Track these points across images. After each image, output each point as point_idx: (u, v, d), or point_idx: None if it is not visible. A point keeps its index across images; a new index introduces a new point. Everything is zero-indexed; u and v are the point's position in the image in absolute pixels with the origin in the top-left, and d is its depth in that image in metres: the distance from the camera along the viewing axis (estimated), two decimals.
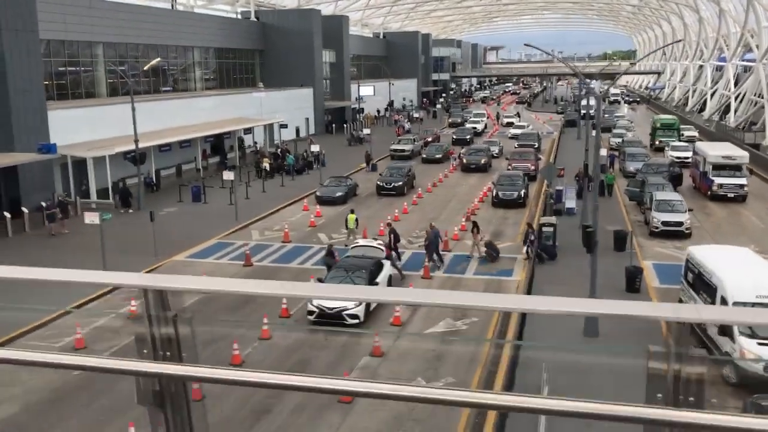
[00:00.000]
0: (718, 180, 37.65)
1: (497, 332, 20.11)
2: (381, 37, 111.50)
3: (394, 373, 17.40)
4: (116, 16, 48.73)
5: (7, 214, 31.61)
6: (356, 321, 20.32)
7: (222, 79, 65.50)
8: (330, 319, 20.38)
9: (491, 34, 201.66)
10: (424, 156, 53.33)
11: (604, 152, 43.12)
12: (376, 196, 40.06)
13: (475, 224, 28.24)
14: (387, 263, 23.44)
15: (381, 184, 40.37)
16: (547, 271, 25.58)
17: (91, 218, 24.18)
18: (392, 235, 26.88)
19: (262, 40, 71.53)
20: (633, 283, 22.86)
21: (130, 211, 36.31)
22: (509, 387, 16.00)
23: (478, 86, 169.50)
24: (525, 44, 39.82)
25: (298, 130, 66.62)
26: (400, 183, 40.20)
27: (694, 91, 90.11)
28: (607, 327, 19.32)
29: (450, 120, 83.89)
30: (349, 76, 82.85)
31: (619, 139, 57.75)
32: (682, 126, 60.58)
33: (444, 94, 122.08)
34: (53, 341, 19.64)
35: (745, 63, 67.86)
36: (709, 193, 37.96)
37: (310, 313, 20.75)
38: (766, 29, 60.54)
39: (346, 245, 28.99)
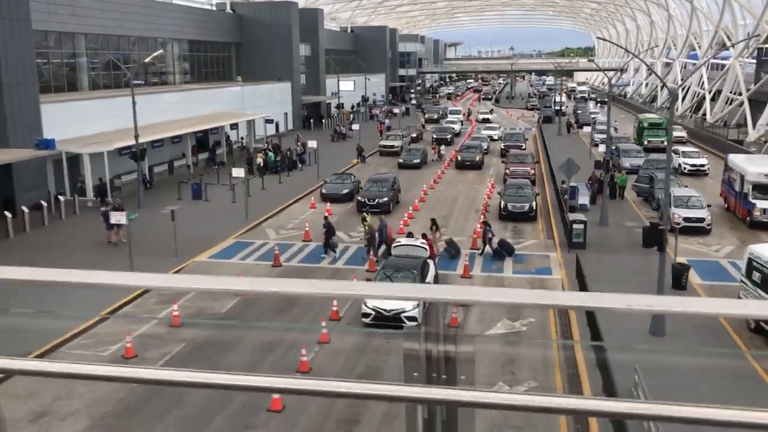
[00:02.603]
0: (761, 204, 31.16)
1: (560, 332, 19.81)
2: (349, 31, 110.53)
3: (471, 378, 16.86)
4: (96, 6, 46.75)
5: (8, 214, 29.93)
6: (414, 323, 19.72)
7: (197, 73, 63.65)
8: (388, 321, 19.74)
9: (450, 30, 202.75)
10: (401, 161, 48.45)
11: (603, 149, 43.51)
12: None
13: (433, 221, 28.35)
14: (431, 262, 22.89)
15: (363, 200, 34.71)
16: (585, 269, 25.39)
17: (117, 218, 22.97)
18: (326, 230, 27.15)
19: (238, 33, 69.91)
20: (679, 281, 22.81)
21: (103, 208, 34.81)
22: (601, 391, 15.64)
23: (441, 82, 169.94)
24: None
25: (277, 125, 65.39)
26: (386, 199, 34.82)
27: (662, 88, 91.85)
28: (670, 325, 19.20)
29: (426, 116, 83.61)
30: (325, 70, 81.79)
31: (604, 135, 58.16)
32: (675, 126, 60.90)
33: (412, 90, 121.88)
34: (98, 350, 18.51)
35: (719, 61, 69.34)
36: (748, 218, 31.59)
37: (366, 315, 20.07)
38: (742, 27, 61.93)
39: (366, 245, 28.46)
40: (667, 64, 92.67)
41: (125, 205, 34.49)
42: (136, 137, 34.27)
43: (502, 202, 33.48)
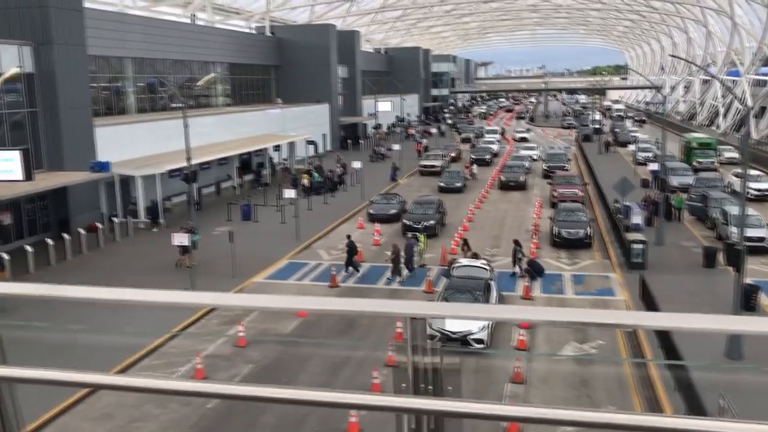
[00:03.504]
0: None
1: (631, 354, 19.41)
2: (383, 52, 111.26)
3: (547, 401, 16.58)
4: (144, 31, 47.67)
5: (66, 236, 30.35)
6: (481, 346, 19.49)
7: (238, 96, 64.35)
8: (454, 343, 19.52)
9: (481, 49, 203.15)
10: (442, 185, 46.57)
11: (655, 167, 42.96)
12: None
13: (465, 241, 28.43)
14: (494, 283, 22.67)
15: (409, 223, 33.75)
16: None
17: (180, 239, 23.12)
18: (348, 249, 27.42)
19: (277, 56, 70.70)
20: (749, 301, 22.26)
21: (155, 230, 35.15)
22: (690, 411, 15.22)
23: (472, 101, 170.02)
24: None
25: (316, 146, 65.74)
26: (432, 222, 33.91)
27: (702, 105, 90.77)
28: (748, 348, 18.70)
29: (462, 136, 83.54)
30: (361, 91, 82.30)
31: (648, 154, 57.52)
32: (719, 146, 58.02)
33: (445, 110, 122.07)
34: (167, 371, 18.56)
35: (760, 77, 68.33)
36: None
37: (431, 337, 19.85)
38: None
39: (421, 265, 28.36)
40: (705, 81, 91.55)
41: (176, 227, 34.87)
42: (188, 159, 34.57)
43: (555, 228, 31.59)
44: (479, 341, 19.45)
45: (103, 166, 32.64)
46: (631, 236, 27.76)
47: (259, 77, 68.72)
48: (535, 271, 26.03)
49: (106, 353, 18.46)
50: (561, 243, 31.00)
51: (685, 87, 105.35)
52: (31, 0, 32.46)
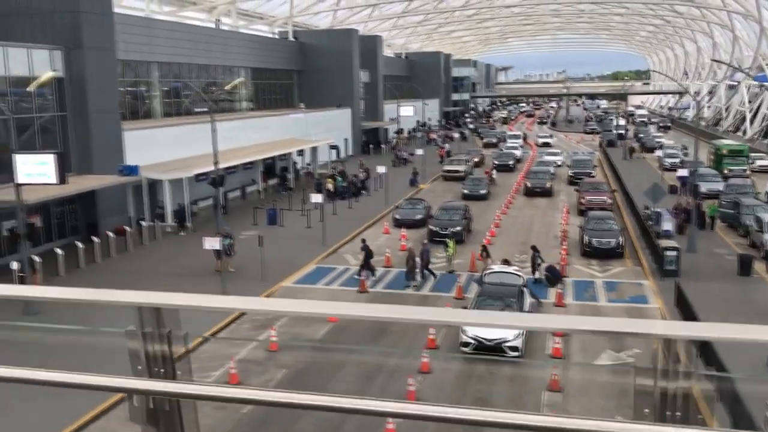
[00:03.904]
0: None
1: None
2: (403, 57, 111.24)
3: (587, 411, 16.30)
4: (170, 36, 47.96)
5: (95, 239, 30.50)
6: (516, 354, 19.24)
7: (260, 100, 64.50)
8: (489, 351, 19.30)
9: (501, 54, 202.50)
10: (466, 192, 45.57)
11: (684, 173, 42.42)
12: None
13: (484, 248, 28.42)
14: (526, 290, 22.41)
15: (436, 230, 33.67)
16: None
17: (212, 243, 23.11)
18: (365, 253, 27.49)
19: (300, 60, 70.88)
20: None
21: (182, 233, 35.25)
22: (735, 424, 14.88)
23: (493, 106, 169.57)
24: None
25: (338, 151, 65.74)
26: (459, 228, 33.65)
27: (727, 110, 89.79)
28: None
29: (484, 141, 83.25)
30: (383, 96, 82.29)
31: (675, 160, 56.89)
32: (751, 153, 56.44)
33: (467, 115, 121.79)
34: (201, 375, 18.48)
35: None
36: None
37: (465, 344, 19.65)
38: None
39: (450, 271, 28.21)
40: (731, 87, 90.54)
41: (203, 231, 34.93)
42: (216, 163, 34.65)
43: (586, 238, 30.60)
44: (514, 349, 19.20)
45: (132, 170, 32.78)
46: (664, 243, 27.36)
47: (282, 82, 68.90)
48: (553, 276, 25.72)
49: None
50: (591, 252, 30.10)
51: (709, 92, 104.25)
52: (62, 5, 32.74)
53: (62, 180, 22.20)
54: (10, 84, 30.51)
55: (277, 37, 71.91)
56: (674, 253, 26.46)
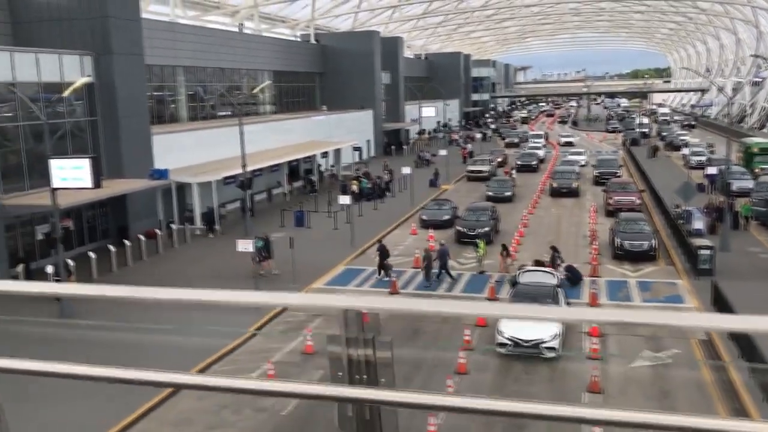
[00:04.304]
0: None
1: (710, 364, 18.84)
2: (423, 58, 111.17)
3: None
4: (194, 40, 48.26)
5: (127, 242, 30.78)
6: (553, 354, 19.12)
7: (282, 103, 64.67)
8: (525, 351, 19.20)
9: (519, 54, 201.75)
10: (490, 194, 44.30)
11: (714, 171, 41.96)
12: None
13: (504, 247, 28.18)
14: (561, 290, 22.27)
15: (463, 230, 33.58)
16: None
17: (244, 246, 23.23)
18: (380, 253, 27.63)
19: (321, 63, 71.06)
20: None
21: (211, 236, 35.47)
22: None
23: (512, 106, 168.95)
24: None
25: (360, 153, 65.80)
26: (487, 229, 33.35)
27: (752, 107, 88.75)
28: None
29: (506, 141, 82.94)
30: (404, 97, 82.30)
31: (701, 158, 56.26)
32: None
33: (487, 115, 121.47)
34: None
35: None
36: None
37: (501, 345, 19.56)
38: None
39: (481, 272, 28.14)
40: (756, 83, 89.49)
41: (231, 233, 35.13)
42: (244, 166, 34.92)
43: (617, 240, 29.62)
44: (551, 349, 19.09)
45: (162, 174, 33.04)
46: (698, 242, 27.05)
47: (304, 84, 69.09)
48: (573, 276, 25.54)
49: (175, 358, 18.50)
50: (624, 255, 29.20)
51: (733, 89, 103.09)
52: (91, 11, 33.08)
53: (97, 184, 22.42)
54: (42, 90, 30.89)
55: (299, 40, 72.17)
56: (708, 251, 26.16)
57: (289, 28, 72.85)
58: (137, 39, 35.09)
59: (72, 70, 32.15)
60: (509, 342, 19.32)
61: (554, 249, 27.10)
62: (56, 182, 22.20)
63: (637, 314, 1.74)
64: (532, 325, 18.91)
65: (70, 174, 22.27)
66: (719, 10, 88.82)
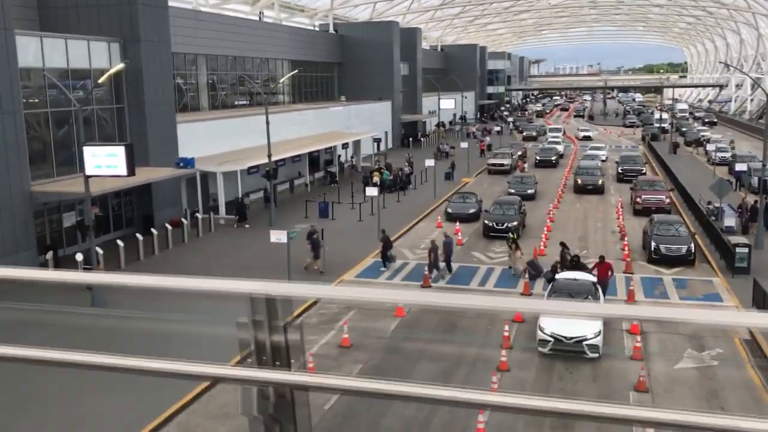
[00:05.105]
0: None
1: (755, 362, 18.49)
2: (439, 49, 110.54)
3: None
4: (213, 27, 47.88)
5: (154, 231, 30.60)
6: (596, 354, 18.79)
7: (301, 93, 64.18)
8: (568, 349, 18.88)
9: (534, 46, 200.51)
10: (512, 191, 42.53)
11: (743, 167, 41.44)
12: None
13: (513, 240, 27.70)
14: (599, 287, 21.93)
15: (491, 224, 32.99)
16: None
17: (278, 236, 22.97)
18: (383, 244, 27.66)
19: (340, 53, 70.63)
20: None
21: (247, 225, 35.27)
22: None
23: (526, 99, 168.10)
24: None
25: (379, 144, 65.44)
26: (515, 223, 32.58)
27: None
28: None
29: (524, 134, 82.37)
30: (422, 88, 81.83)
31: (725, 154, 55.63)
32: None
33: (502, 108, 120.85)
34: None
35: None
36: None
37: (543, 342, 19.25)
38: None
39: (509, 266, 27.80)
40: None
41: (256, 224, 34.94)
42: (270, 156, 34.66)
43: (653, 244, 27.96)
44: (593, 348, 18.76)
45: (189, 162, 32.81)
46: (735, 239, 26.63)
47: (322, 74, 68.65)
48: (535, 271, 24.83)
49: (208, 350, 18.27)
50: (660, 259, 27.66)
51: (751, 85, 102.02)
52: None
53: (131, 172, 22.20)
54: (71, 77, 30.68)
55: (317, 29, 71.74)
56: (745, 249, 25.75)
57: (308, 17, 72.41)
58: (164, 26, 34.81)
59: (99, 56, 31.92)
60: (551, 338, 18.99)
61: (563, 245, 26.55)
62: (90, 170, 21.96)
63: (683, 312, 1.74)
64: (575, 322, 18.56)
65: (104, 161, 22.04)
66: (741, 5, 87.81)
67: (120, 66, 25.02)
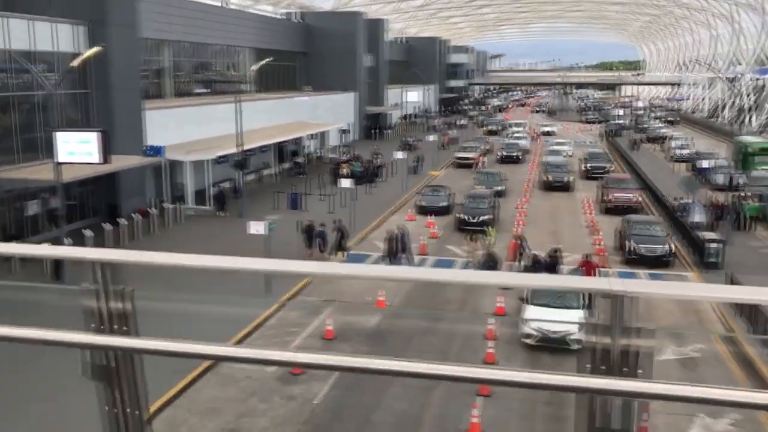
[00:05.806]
0: None
1: (736, 360, 18.85)
2: (402, 42, 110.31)
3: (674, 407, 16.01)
4: (179, 14, 46.77)
5: (123, 221, 29.71)
6: (579, 346, 18.85)
7: (264, 82, 63.01)
8: (552, 344, 18.93)
9: (492, 41, 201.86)
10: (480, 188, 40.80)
11: (708, 164, 42.25)
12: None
13: (482, 232, 28.12)
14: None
15: (464, 218, 33.09)
16: None
17: (257, 228, 22.46)
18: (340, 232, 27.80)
19: (305, 42, 69.79)
20: None
21: (226, 215, 34.64)
22: None
23: (486, 94, 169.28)
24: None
25: (346, 135, 64.96)
26: (489, 217, 32.76)
27: (726, 103, 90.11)
28: None
29: (488, 128, 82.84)
30: (386, 81, 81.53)
31: (686, 151, 56.79)
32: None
33: (462, 102, 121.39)
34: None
35: None
36: None
37: (527, 336, 19.27)
38: None
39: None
40: (732, 80, 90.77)
41: (226, 213, 34.28)
42: (240, 146, 34.04)
43: (632, 244, 27.51)
44: (579, 341, 18.78)
45: (158, 151, 31.99)
46: (707, 235, 27.13)
47: (286, 64, 67.65)
48: (491, 263, 25.14)
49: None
50: (638, 260, 27.20)
51: (707, 84, 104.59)
52: None
53: (105, 159, 21.45)
54: (35, 60, 29.51)
55: (282, 17, 70.75)
56: (716, 245, 26.26)
57: (273, 4, 71.40)
58: (132, 10, 33.78)
59: (65, 40, 30.79)
60: (536, 333, 19.02)
61: (521, 238, 26.61)
62: (62, 156, 21.14)
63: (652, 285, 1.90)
64: (559, 316, 18.65)
65: (77, 148, 21.24)
66: (697, 6, 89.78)
67: (96, 49, 24.10)
